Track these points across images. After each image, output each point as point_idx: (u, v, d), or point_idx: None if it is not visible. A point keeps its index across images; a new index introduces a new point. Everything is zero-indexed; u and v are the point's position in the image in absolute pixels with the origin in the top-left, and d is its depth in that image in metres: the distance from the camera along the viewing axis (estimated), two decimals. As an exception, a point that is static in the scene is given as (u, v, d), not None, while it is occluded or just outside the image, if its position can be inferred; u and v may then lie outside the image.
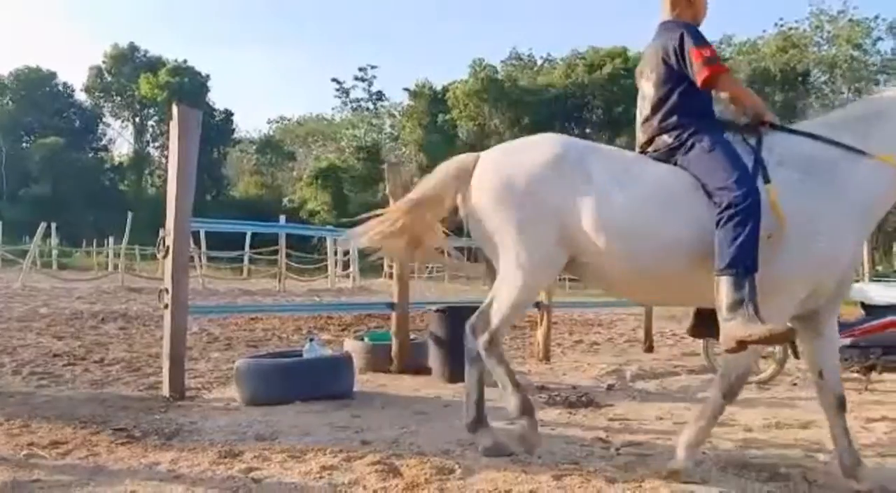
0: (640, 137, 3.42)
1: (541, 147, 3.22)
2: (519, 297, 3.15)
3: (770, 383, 5.70)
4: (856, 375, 5.40)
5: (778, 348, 5.75)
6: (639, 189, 3.01)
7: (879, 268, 19.30)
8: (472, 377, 3.37)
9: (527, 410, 3.20)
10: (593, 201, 2.98)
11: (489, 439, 3.30)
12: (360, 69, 59.23)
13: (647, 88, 3.34)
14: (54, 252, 26.33)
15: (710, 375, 5.91)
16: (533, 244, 3.07)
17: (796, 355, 5.69)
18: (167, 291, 4.64)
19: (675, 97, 3.20)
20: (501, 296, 3.19)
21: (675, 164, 3.11)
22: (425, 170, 48.09)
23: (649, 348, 8.04)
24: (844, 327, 5.66)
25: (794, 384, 5.78)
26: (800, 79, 42.15)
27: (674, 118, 3.18)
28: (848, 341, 5.50)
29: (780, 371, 5.80)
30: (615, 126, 45.65)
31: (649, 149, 3.29)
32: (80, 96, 58.28)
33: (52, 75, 57.08)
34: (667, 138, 3.19)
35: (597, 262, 3.06)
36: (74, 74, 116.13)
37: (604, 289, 3.38)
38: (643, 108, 3.39)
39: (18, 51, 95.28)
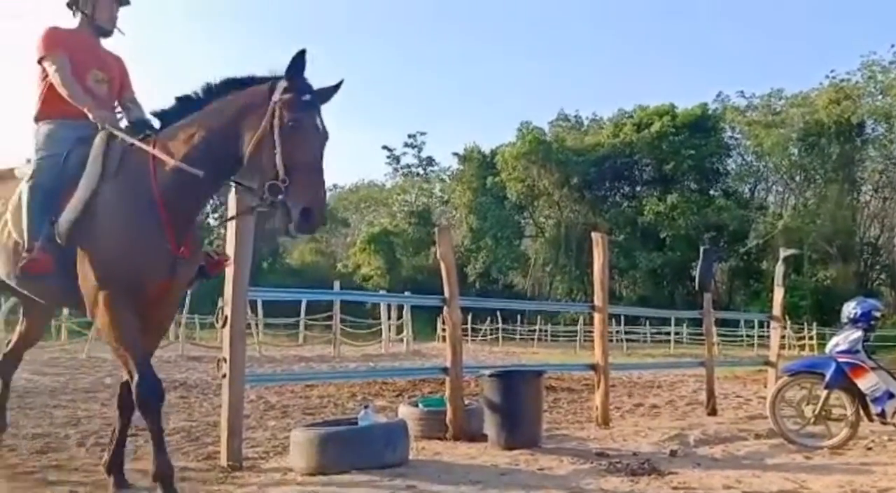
0: None
1: None
2: None
3: (843, 448, 5.42)
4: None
5: (850, 410, 5.49)
6: None
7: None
8: None
9: None
10: None
11: None
12: (410, 136, 60.21)
13: None
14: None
15: (778, 440, 5.67)
16: None
17: (869, 418, 5.44)
18: (225, 360, 4.72)
19: None
20: None
21: None
22: (475, 232, 48.53)
23: (712, 411, 7.77)
24: None
25: (869, 449, 5.48)
26: (855, 131, 41.31)
27: None
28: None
29: (853, 435, 5.51)
30: (665, 183, 45.35)
31: None
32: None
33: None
34: None
35: None
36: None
37: None
38: None
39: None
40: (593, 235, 7.43)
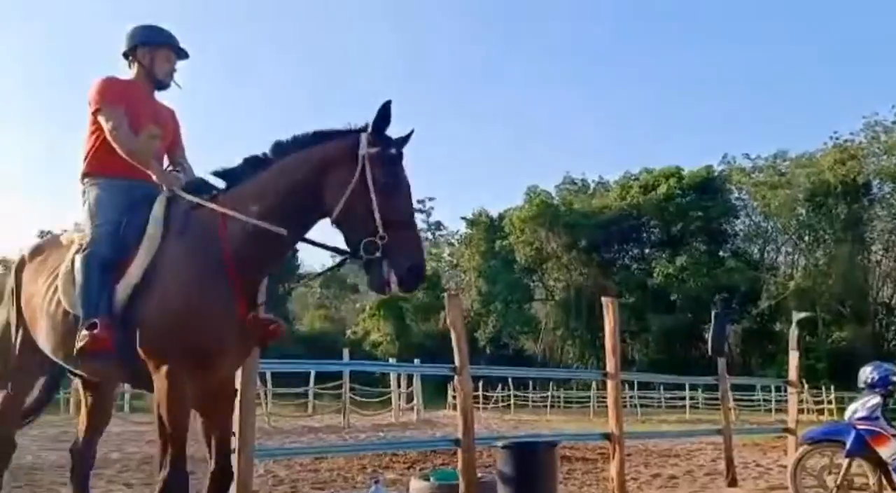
0: None
1: None
2: None
3: (869, 520, 5.25)
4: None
5: (872, 479, 5.35)
6: None
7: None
8: None
9: None
10: None
11: None
12: (419, 201, 60.92)
13: None
14: (126, 395, 26.79)
15: (800, 511, 5.50)
16: None
17: (892, 486, 5.29)
18: (234, 434, 4.66)
19: None
20: None
21: None
22: (485, 296, 48.43)
23: (732, 482, 7.57)
24: None
25: (897, 520, 5.31)
26: (861, 190, 41.45)
27: None
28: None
29: (878, 506, 5.35)
30: (674, 245, 45.39)
31: None
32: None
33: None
34: None
35: None
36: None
37: None
38: None
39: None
40: (604, 300, 7.38)
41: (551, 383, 34.04)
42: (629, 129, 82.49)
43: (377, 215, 3.05)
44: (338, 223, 3.20)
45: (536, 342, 50.09)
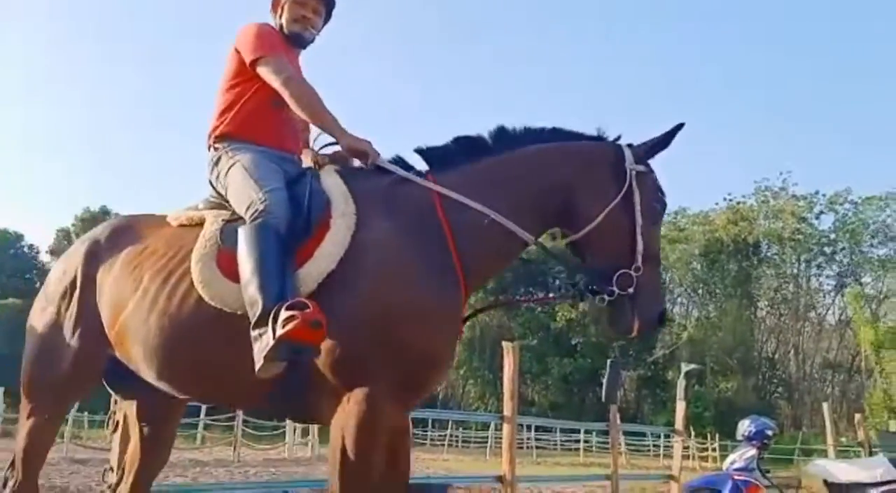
0: None
1: None
2: None
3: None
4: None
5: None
6: None
7: (843, 440, 19.24)
8: None
9: None
10: None
11: None
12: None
13: None
14: (0, 418, 24.96)
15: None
16: None
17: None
18: (112, 469, 4.43)
19: None
20: None
21: None
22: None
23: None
24: None
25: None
26: (751, 250, 44.02)
27: None
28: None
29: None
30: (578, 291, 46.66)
31: None
32: (45, 258, 58.12)
33: (19, 237, 57.20)
34: None
35: None
36: (43, 237, 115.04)
37: None
38: None
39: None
40: (504, 344, 7.50)
41: (450, 423, 34.02)
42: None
43: (640, 244, 2.57)
44: (582, 242, 2.70)
45: (439, 381, 50.02)
